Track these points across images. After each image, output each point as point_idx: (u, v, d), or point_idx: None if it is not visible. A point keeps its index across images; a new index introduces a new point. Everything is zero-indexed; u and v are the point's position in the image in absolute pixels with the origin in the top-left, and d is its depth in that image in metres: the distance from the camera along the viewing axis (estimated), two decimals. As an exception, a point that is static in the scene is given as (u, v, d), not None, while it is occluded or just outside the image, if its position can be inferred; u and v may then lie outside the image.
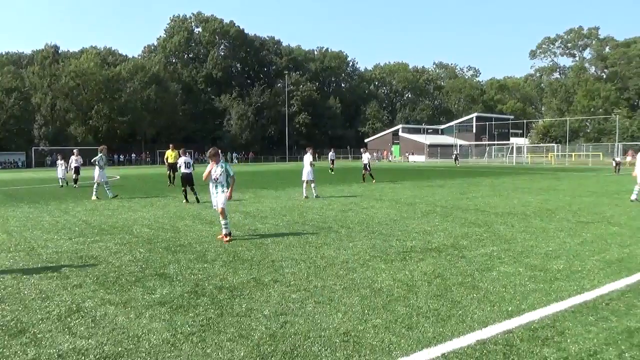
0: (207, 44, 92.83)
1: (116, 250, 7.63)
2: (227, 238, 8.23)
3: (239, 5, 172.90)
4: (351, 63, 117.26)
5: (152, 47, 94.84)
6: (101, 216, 11.85)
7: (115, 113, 70.62)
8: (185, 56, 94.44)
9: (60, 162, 22.76)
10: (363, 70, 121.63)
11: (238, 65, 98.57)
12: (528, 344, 3.83)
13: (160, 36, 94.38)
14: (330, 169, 33.70)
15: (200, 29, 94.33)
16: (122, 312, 4.69)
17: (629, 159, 20.65)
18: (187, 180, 14.81)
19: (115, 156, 67.82)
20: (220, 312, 4.68)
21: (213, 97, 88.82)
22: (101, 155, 16.70)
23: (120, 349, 3.84)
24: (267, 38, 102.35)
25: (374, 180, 22.82)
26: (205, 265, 6.61)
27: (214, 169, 8.35)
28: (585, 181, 23.52)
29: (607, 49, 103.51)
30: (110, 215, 11.93)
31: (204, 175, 8.44)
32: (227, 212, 8.36)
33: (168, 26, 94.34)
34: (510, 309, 4.64)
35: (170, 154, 21.60)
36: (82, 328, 4.30)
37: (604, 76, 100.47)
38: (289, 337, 4.01)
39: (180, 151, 17.06)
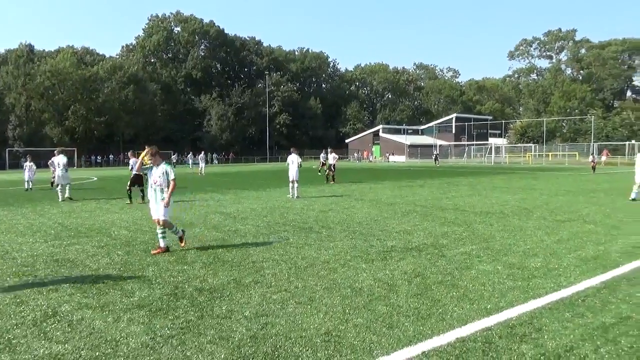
0: (187, 43, 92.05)
1: (93, 253, 7.49)
2: (183, 243, 7.63)
3: (219, 5, 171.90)
4: (332, 64, 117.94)
5: (131, 47, 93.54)
6: (78, 218, 11.61)
7: (92, 113, 69.34)
8: (165, 56, 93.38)
9: (28, 164, 21.90)
10: (344, 70, 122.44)
11: (218, 65, 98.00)
12: (506, 340, 3.88)
13: (139, 35, 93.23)
14: (319, 170, 32.66)
15: (179, 29, 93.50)
16: (99, 316, 4.60)
17: (604, 158, 21.17)
18: (137, 180, 14.89)
19: (93, 157, 66.88)
20: (200, 314, 4.63)
21: (193, 97, 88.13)
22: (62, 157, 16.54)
23: (97, 353, 3.77)
24: (248, 38, 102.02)
25: (333, 182, 22.76)
26: (185, 267, 6.53)
27: (153, 171, 7.43)
28: (562, 180, 24.03)
29: (582, 51, 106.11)
30: (88, 218, 11.71)
31: (137, 165, 7.98)
32: (170, 222, 7.56)
33: (147, 26, 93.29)
34: (489, 307, 4.70)
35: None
36: (58, 333, 4.21)
37: (580, 77, 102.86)
38: (269, 338, 4.00)
39: (129, 153, 16.83)
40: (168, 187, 7.35)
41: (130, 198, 14.89)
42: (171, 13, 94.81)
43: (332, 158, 23.68)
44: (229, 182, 25.17)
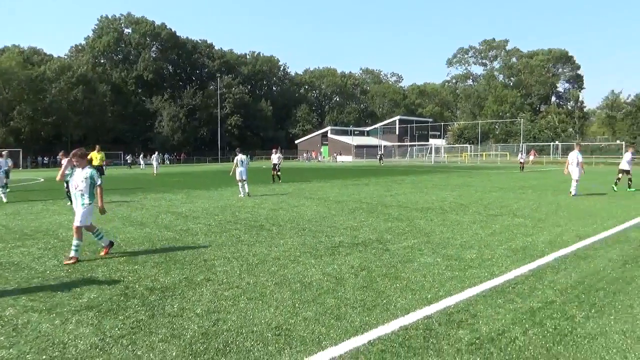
0: (138, 45, 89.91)
1: (40, 255, 7.15)
2: (72, 261, 6.64)
3: (171, 7, 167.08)
4: (282, 67, 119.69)
5: (80, 47, 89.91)
6: (23, 220, 10.95)
7: (39, 114, 66.28)
8: (115, 57, 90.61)
9: None
10: (294, 74, 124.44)
11: (170, 67, 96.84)
12: (445, 327, 4.14)
13: (89, 36, 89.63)
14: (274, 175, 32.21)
15: (130, 30, 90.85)
16: (46, 319, 4.45)
17: (532, 157, 22.76)
18: None
19: (39, 158, 63.94)
20: (151, 313, 4.59)
21: (144, 98, 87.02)
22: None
23: (44, 357, 3.66)
24: (200, 41, 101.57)
25: (280, 180, 22.91)
26: (136, 267, 6.40)
27: (75, 175, 6.89)
28: (495, 178, 25.43)
29: (513, 60, 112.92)
30: (34, 219, 11.07)
31: (58, 176, 7.19)
32: (92, 226, 7.03)
33: (96, 26, 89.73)
34: (429, 296, 4.98)
35: (95, 156, 19.93)
36: (2, 337, 4.04)
37: (511, 84, 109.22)
38: (221, 334, 4.04)
39: (61, 153, 16.06)
40: (93, 193, 6.93)
41: (70, 199, 14.22)
42: (122, 14, 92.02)
43: (276, 158, 23.71)
44: (181, 182, 24.56)
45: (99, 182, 6.97)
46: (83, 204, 6.85)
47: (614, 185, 17.07)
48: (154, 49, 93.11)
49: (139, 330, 4.15)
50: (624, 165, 17.21)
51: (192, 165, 67.50)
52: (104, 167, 19.65)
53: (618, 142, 60.48)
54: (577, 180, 15.31)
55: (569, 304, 4.72)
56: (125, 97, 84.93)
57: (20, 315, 4.57)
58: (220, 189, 19.17)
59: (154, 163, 35.74)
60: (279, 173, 23.40)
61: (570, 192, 15.18)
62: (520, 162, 36.20)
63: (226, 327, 4.20)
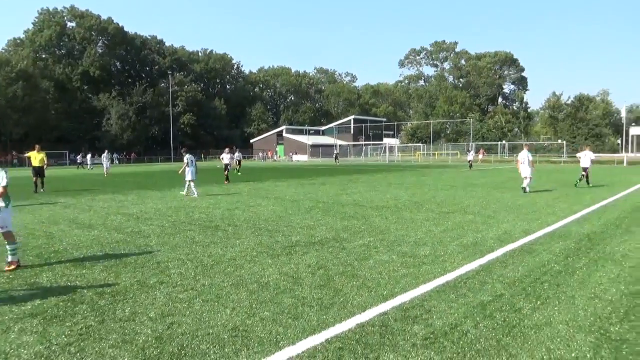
0: (83, 40, 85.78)
1: (-24, 261, 6.68)
2: (12, 266, 6.21)
3: (117, 1, 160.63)
4: (236, 65, 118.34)
5: (19, 41, 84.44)
6: None
7: None
8: (58, 52, 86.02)
9: None
10: (248, 73, 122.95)
11: (118, 63, 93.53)
12: (401, 323, 4.22)
13: (29, 29, 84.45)
14: (237, 169, 30.59)
15: (74, 24, 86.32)
16: (-16, 329, 4.18)
17: (480, 156, 23.66)
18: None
19: None
20: (101, 318, 4.41)
21: (90, 95, 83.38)
22: None
23: (-19, 368, 3.45)
24: (149, 37, 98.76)
25: (227, 182, 21.99)
26: (84, 271, 6.13)
27: None
28: (446, 176, 26.22)
29: (462, 61, 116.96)
30: None
31: None
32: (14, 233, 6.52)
33: (37, 19, 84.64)
34: (385, 293, 5.06)
35: (34, 156, 18.67)
36: None
37: (460, 85, 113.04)
38: (176, 337, 3.94)
39: (14, 153, 15.08)
40: (8, 195, 6.37)
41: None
42: (65, 7, 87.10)
43: (227, 158, 23.37)
44: (132, 183, 23.74)
45: (3, 183, 6.21)
46: None
47: (584, 183, 18.03)
48: (100, 44, 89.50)
49: (88, 337, 3.98)
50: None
51: (144, 165, 65.47)
52: (44, 168, 18.63)
53: (559, 141, 63.93)
54: (530, 178, 16.13)
55: (517, 297, 4.93)
56: (70, 93, 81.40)
57: (-45, 326, 4.26)
58: (173, 189, 18.68)
59: (104, 162, 33.81)
60: (238, 172, 23.02)
61: (524, 189, 15.89)
62: (469, 161, 37.40)
63: (181, 330, 4.10)
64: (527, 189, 15.88)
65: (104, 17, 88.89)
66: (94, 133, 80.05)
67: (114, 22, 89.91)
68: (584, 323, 4.20)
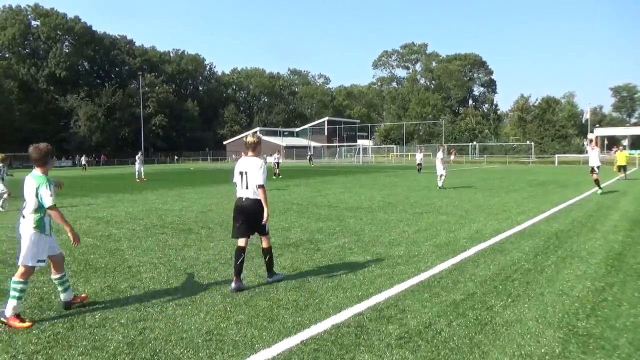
0: (48, 39, 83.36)
1: None
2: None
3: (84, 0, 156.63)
4: (208, 67, 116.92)
5: None
6: None
7: None
8: (22, 51, 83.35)
9: None
10: (220, 74, 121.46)
11: (86, 63, 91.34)
12: (376, 323, 4.25)
13: None
14: (275, 174, 28.20)
15: (38, 23, 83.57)
16: (-57, 338, 3.99)
17: (452, 157, 24.12)
18: None
19: None
20: (70, 325, 4.28)
21: (57, 96, 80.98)
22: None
23: (-59, 380, 3.29)
24: (119, 37, 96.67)
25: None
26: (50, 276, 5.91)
27: None
28: (419, 177, 26.54)
29: (433, 64, 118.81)
30: None
31: None
32: None
33: None
34: (360, 294, 5.09)
35: None
36: None
37: (432, 87, 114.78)
38: (148, 343, 3.87)
39: None
40: None
41: None
42: (28, 5, 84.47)
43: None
44: (101, 185, 23.13)
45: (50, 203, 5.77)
46: None
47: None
48: (66, 43, 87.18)
49: (56, 344, 3.86)
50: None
51: (114, 167, 63.98)
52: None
53: (528, 142, 65.63)
54: (443, 175, 18.09)
55: (489, 295, 5.03)
56: (36, 94, 79.13)
57: None
58: (144, 192, 18.32)
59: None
60: (279, 175, 23.35)
61: (438, 186, 17.76)
62: (418, 164, 32.39)
63: (153, 335, 4.02)
64: (440, 184, 17.89)
65: (70, 15, 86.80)
66: (62, 135, 78.04)
67: (81, 21, 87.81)
68: (552, 319, 4.32)
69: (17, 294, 4.32)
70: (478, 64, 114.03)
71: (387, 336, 3.95)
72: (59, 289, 4.71)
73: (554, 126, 69.24)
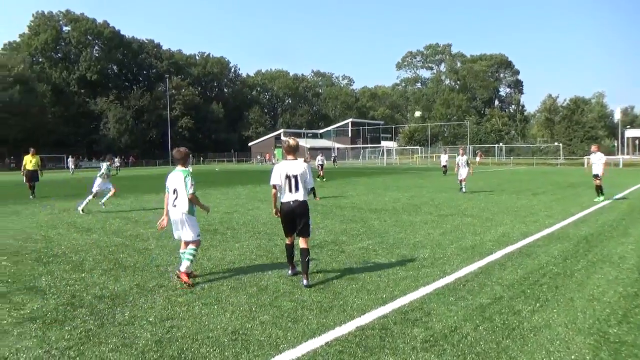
0: (79, 44, 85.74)
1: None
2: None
3: (113, 5, 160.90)
4: (233, 69, 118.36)
5: (15, 45, 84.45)
6: None
7: None
8: (55, 56, 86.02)
9: None
10: (245, 76, 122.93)
11: (115, 67, 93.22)
12: (400, 326, 4.22)
13: (24, 33, 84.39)
14: (319, 176, 26.24)
15: (69, 28, 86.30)
16: (-17, 334, 4.16)
17: (478, 159, 23.70)
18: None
19: None
20: (100, 322, 4.40)
21: (88, 99, 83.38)
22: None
23: (-19, 373, 3.43)
24: (146, 41, 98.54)
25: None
26: (83, 274, 6.12)
27: None
28: (444, 179, 26.24)
29: (458, 64, 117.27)
30: None
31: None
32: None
33: (32, 23, 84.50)
34: (384, 296, 5.07)
35: (29, 160, 17.98)
36: None
37: (457, 87, 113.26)
38: (175, 341, 3.94)
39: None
40: None
41: None
42: (60, 11, 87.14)
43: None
44: (130, 186, 23.65)
45: (191, 190, 5.80)
46: None
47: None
48: (96, 48, 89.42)
49: (88, 341, 3.97)
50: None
51: (142, 168, 65.34)
52: (38, 172, 18.37)
53: (556, 143, 64.12)
54: (464, 180, 17.29)
55: (516, 299, 4.94)
56: (67, 97, 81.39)
57: (-46, 331, 4.24)
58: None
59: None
60: (323, 178, 24.42)
61: (461, 190, 16.96)
62: (443, 166, 31.57)
63: (180, 333, 4.09)
64: (464, 190, 17.05)
65: (99, 20, 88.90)
66: (92, 137, 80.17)
67: (110, 25, 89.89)
68: (582, 325, 4.22)
69: (190, 257, 5.66)
70: (504, 64, 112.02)
71: (412, 339, 3.92)
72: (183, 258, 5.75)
73: (583, 127, 67.49)
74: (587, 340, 3.89)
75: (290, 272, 5.93)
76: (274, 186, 5.62)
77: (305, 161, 14.39)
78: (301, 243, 5.62)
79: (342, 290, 5.28)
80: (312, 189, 8.73)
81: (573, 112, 69.81)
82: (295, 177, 5.50)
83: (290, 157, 5.64)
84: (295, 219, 5.57)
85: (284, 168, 5.56)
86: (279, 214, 5.73)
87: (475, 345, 3.81)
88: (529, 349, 3.73)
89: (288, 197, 5.54)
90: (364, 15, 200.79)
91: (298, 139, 6.02)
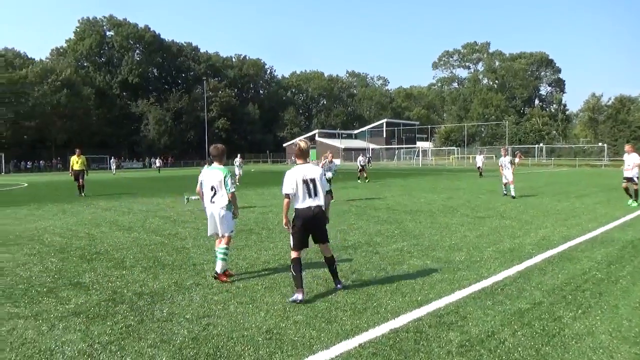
0: (121, 48, 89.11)
1: (25, 261, 7.03)
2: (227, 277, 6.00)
3: (153, 10, 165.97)
4: (269, 70, 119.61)
5: (61, 50, 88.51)
6: (6, 225, 10.75)
7: (21, 117, 65.69)
8: (98, 60, 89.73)
9: None
10: (280, 77, 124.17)
11: (155, 70, 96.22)
12: (435, 329, 4.16)
13: (70, 39, 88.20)
14: (359, 177, 26.88)
15: (112, 33, 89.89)
16: (32, 326, 4.38)
17: (517, 160, 23.00)
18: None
19: (22, 163, 63.91)
20: (140, 318, 4.55)
21: (129, 102, 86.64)
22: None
23: (30, 364, 3.61)
24: (185, 44, 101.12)
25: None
26: (124, 272, 6.35)
27: None
28: (481, 181, 25.66)
29: (496, 63, 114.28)
30: (18, 224, 10.89)
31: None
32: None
33: (78, 29, 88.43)
34: (419, 299, 5.00)
35: (75, 160, 18.71)
36: (-14, 345, 3.95)
37: (495, 86, 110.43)
38: (211, 338, 4.02)
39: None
40: None
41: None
42: (104, 17, 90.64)
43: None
44: (170, 187, 24.34)
45: (233, 190, 5.92)
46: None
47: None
48: (137, 52, 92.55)
49: (128, 336, 4.11)
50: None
51: (181, 169, 67.15)
52: (85, 172, 19.13)
53: (600, 144, 61.56)
54: (511, 183, 15.68)
55: (557, 305, 4.78)
56: (110, 100, 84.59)
57: (4, 323, 4.49)
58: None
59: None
60: (367, 179, 25.22)
61: (510, 195, 15.51)
62: (478, 167, 31.64)
63: (216, 331, 4.17)
64: (513, 193, 15.48)
65: (140, 25, 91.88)
66: (133, 138, 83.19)
67: (150, 29, 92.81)
68: (628, 334, 4.03)
69: (223, 257, 5.77)
70: (545, 62, 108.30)
71: (447, 343, 3.86)
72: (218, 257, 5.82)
73: (629, 127, 64.54)
74: (633, 350, 3.72)
75: (300, 297, 4.95)
76: (287, 195, 5.19)
77: (329, 160, 14.30)
78: (325, 252, 5.34)
79: (376, 292, 5.25)
80: (330, 192, 8.49)
81: (618, 111, 66.91)
82: (314, 180, 5.16)
83: (300, 161, 5.35)
84: (315, 226, 5.19)
85: (299, 173, 5.18)
86: (289, 225, 5.28)
87: (513, 351, 3.71)
88: (570, 357, 3.60)
89: (308, 202, 5.13)
90: (399, 15, 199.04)
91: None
